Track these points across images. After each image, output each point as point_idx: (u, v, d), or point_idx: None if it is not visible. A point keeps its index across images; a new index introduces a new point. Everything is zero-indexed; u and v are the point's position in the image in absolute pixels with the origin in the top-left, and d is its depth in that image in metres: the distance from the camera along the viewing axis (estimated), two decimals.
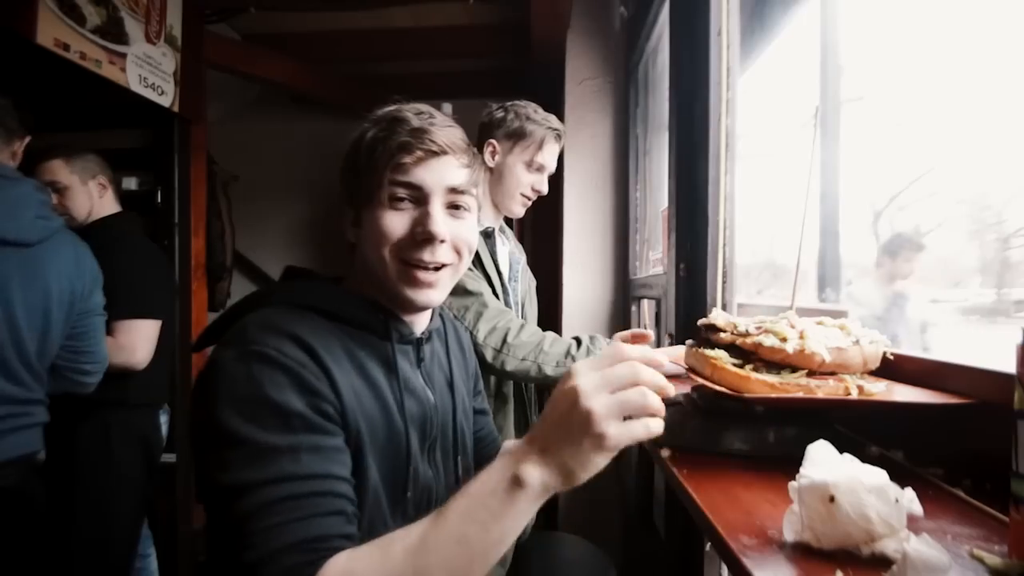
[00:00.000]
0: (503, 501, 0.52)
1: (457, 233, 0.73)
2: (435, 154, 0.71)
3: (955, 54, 1.07)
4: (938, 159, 1.21)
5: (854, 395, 0.65)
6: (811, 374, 0.67)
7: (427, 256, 0.71)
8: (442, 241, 0.71)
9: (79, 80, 1.75)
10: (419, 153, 0.70)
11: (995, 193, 1.17)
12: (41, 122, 1.48)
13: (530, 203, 1.46)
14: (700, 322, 0.81)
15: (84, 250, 1.43)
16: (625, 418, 0.51)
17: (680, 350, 0.94)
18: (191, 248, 2.32)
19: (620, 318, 2.15)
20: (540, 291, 1.67)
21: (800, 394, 0.65)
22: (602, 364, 0.53)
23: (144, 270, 1.69)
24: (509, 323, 1.24)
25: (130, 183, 2.57)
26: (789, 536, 0.48)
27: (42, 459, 1.34)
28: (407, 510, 0.72)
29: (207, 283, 2.51)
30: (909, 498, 0.47)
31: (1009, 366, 0.45)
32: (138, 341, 1.61)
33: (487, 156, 1.41)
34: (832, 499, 0.45)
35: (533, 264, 1.65)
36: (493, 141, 1.41)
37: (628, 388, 0.51)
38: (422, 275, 0.72)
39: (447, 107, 2.49)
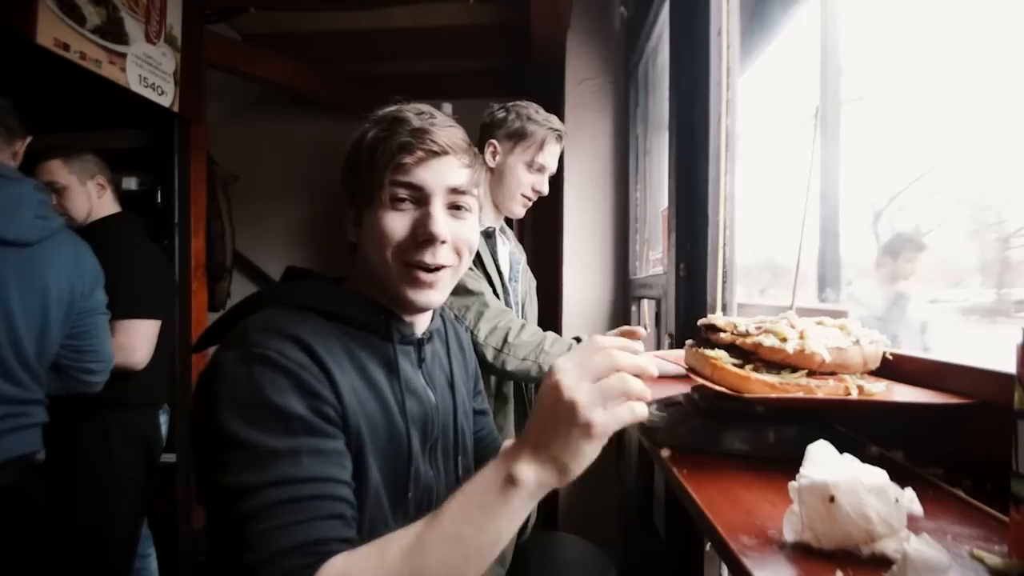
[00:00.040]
0: (497, 500, 0.53)
1: (458, 234, 0.73)
2: (436, 154, 0.71)
3: (955, 54, 1.07)
4: (938, 159, 1.21)
5: (854, 395, 0.65)
6: (811, 374, 0.67)
7: (428, 258, 0.70)
8: (443, 242, 0.71)
9: (79, 80, 1.75)
10: (420, 153, 0.70)
11: (995, 193, 1.17)
12: (41, 122, 1.48)
13: (531, 203, 1.46)
14: (700, 322, 0.81)
15: (85, 250, 1.43)
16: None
17: (678, 353, 0.94)
18: (191, 248, 2.32)
19: (620, 318, 2.15)
20: (540, 291, 1.67)
21: (800, 394, 0.65)
22: (580, 357, 0.54)
23: (144, 270, 1.69)
24: (510, 323, 1.24)
25: (130, 183, 2.57)
26: (789, 536, 0.48)
27: (41, 459, 1.34)
28: (408, 510, 0.72)
29: (207, 283, 2.51)
30: (909, 498, 0.47)
31: (1009, 366, 0.45)
32: (137, 341, 1.62)
33: (488, 156, 1.41)
34: (832, 499, 0.44)
35: (533, 264, 1.65)
36: (494, 141, 1.41)
37: (608, 375, 0.52)
38: (423, 276, 0.71)
39: (447, 107, 2.49)
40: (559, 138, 1.44)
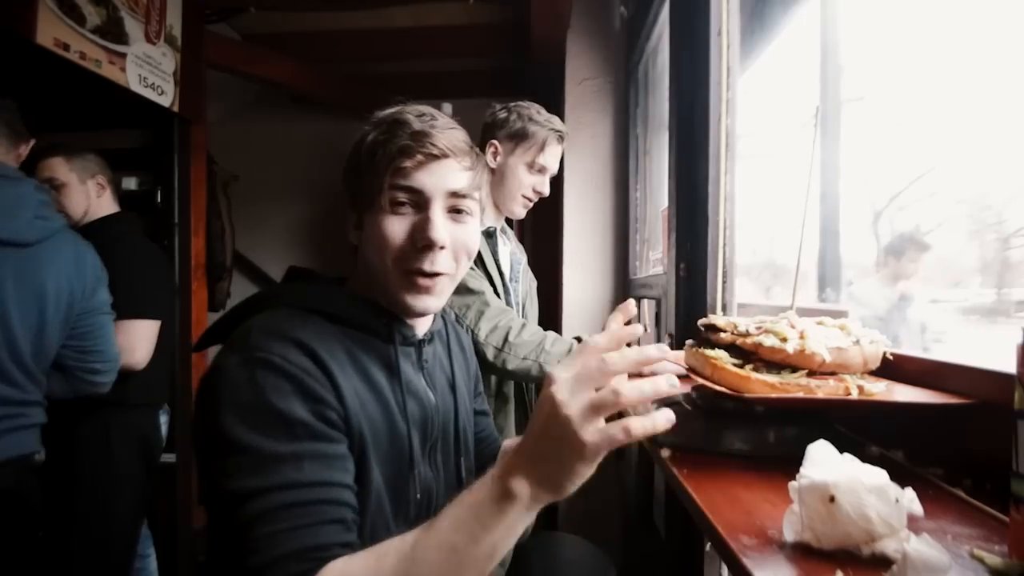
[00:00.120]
0: (492, 513, 0.52)
1: (458, 238, 0.73)
2: (436, 158, 0.70)
3: (955, 54, 1.07)
4: (938, 159, 1.21)
5: (854, 395, 0.65)
6: (811, 374, 0.67)
7: (426, 264, 0.70)
8: (442, 247, 0.70)
9: (79, 80, 1.75)
10: (419, 157, 0.70)
11: (995, 193, 1.17)
12: (41, 122, 1.48)
13: (531, 204, 1.46)
14: (700, 322, 0.81)
15: (86, 250, 1.43)
16: (609, 418, 0.50)
17: (678, 354, 0.93)
18: (191, 248, 2.32)
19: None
20: (540, 291, 1.67)
21: (800, 394, 0.65)
22: (577, 366, 0.51)
23: (143, 270, 1.69)
24: (510, 322, 1.24)
25: (130, 183, 2.57)
26: (789, 536, 0.48)
27: (41, 460, 1.34)
28: (409, 513, 0.72)
29: (207, 283, 2.51)
30: (909, 498, 0.47)
31: (1009, 366, 0.45)
32: (137, 341, 1.61)
33: (489, 157, 1.41)
34: (832, 499, 0.45)
35: (533, 264, 1.65)
36: (495, 142, 1.41)
37: (602, 385, 0.50)
38: (421, 281, 0.71)
39: (447, 107, 2.49)
40: (560, 139, 1.43)
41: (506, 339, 1.22)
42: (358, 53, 2.78)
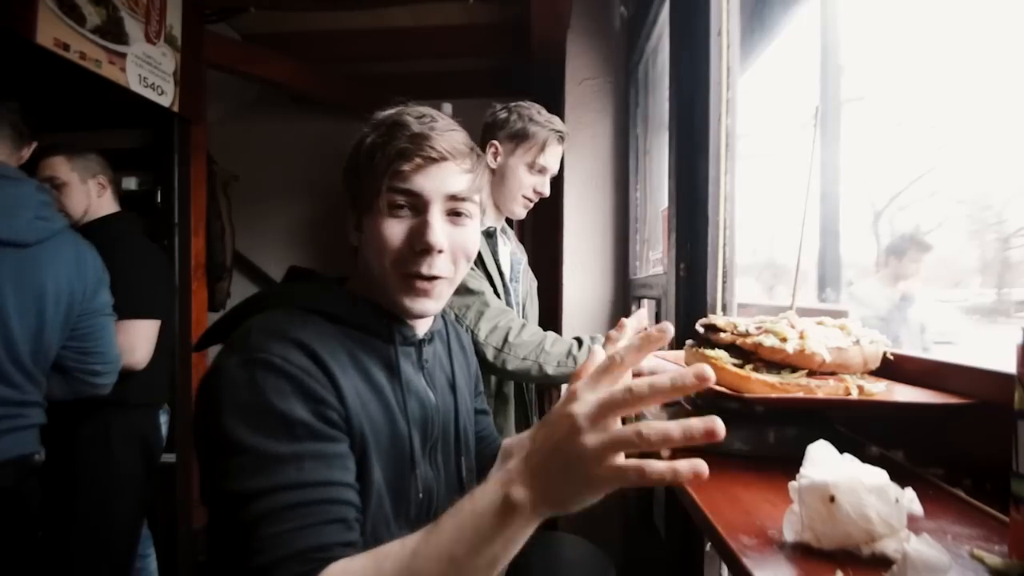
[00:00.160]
0: (493, 525, 0.50)
1: (456, 241, 0.72)
2: (434, 161, 0.70)
3: (955, 54, 1.07)
4: (938, 159, 1.21)
5: (854, 395, 0.65)
6: (811, 374, 0.67)
7: (424, 268, 0.70)
8: (440, 251, 0.70)
9: (79, 80, 1.75)
10: (418, 160, 0.69)
11: (995, 193, 1.17)
12: (41, 122, 1.48)
13: (532, 204, 1.46)
14: (700, 322, 0.81)
15: (87, 251, 1.43)
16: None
17: (678, 354, 0.94)
18: (191, 248, 2.32)
19: (620, 318, 2.15)
20: (540, 291, 1.67)
21: (800, 394, 0.65)
22: (599, 383, 0.49)
23: (143, 270, 1.69)
24: (510, 322, 1.24)
25: (130, 183, 2.56)
26: (789, 536, 0.48)
27: (40, 460, 1.34)
28: (410, 512, 0.72)
29: (207, 283, 2.51)
30: (909, 498, 0.47)
31: (1009, 366, 0.45)
32: (137, 341, 1.62)
33: (489, 157, 1.40)
34: (832, 499, 0.45)
35: (533, 264, 1.65)
36: (495, 142, 1.41)
37: (627, 413, 0.47)
38: (419, 284, 0.71)
39: (447, 107, 2.49)
40: (561, 139, 1.43)
41: (506, 339, 1.22)
42: (358, 53, 2.78)
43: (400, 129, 0.70)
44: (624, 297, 2.15)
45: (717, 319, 0.78)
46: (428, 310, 0.74)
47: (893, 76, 1.23)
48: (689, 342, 0.83)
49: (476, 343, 1.21)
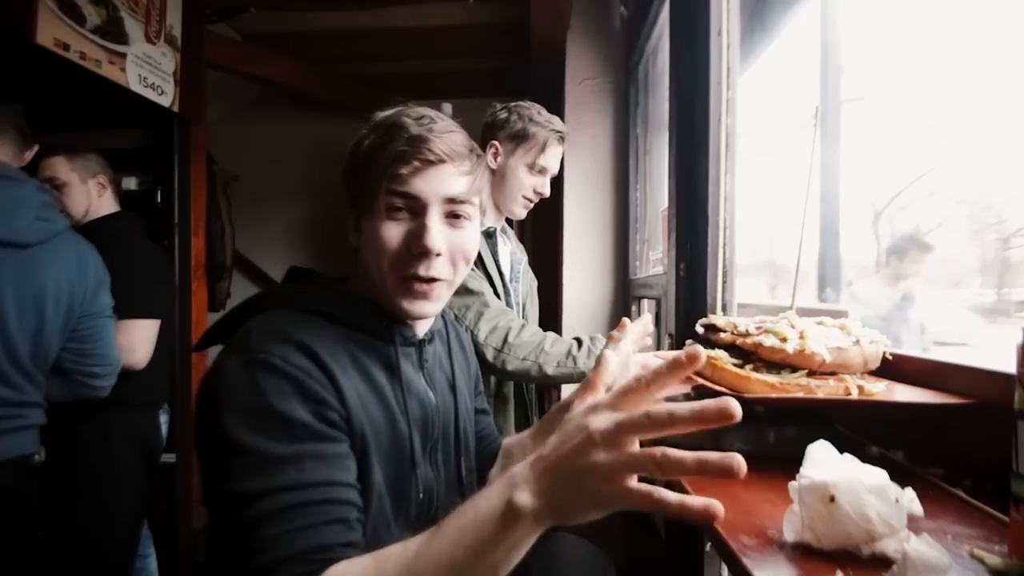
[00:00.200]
0: (495, 530, 0.49)
1: (455, 243, 0.72)
2: (432, 163, 0.69)
3: (955, 54, 1.07)
4: (938, 159, 1.21)
5: (854, 395, 0.65)
6: (811, 374, 0.67)
7: (422, 270, 0.70)
8: (438, 254, 0.70)
9: (79, 80, 1.75)
10: (416, 163, 0.69)
11: (995, 193, 1.17)
12: (41, 122, 1.48)
13: (532, 205, 1.46)
14: (700, 322, 0.81)
15: (88, 252, 1.42)
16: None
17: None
18: (191, 248, 2.32)
19: (620, 318, 2.15)
20: (540, 291, 1.67)
21: (800, 394, 0.65)
22: (620, 402, 0.47)
23: (143, 270, 1.69)
24: (510, 323, 1.24)
25: (130, 183, 2.56)
26: (789, 536, 0.48)
27: (40, 460, 1.34)
28: (410, 513, 0.72)
29: (207, 283, 2.51)
30: (909, 498, 0.47)
31: (1009, 366, 0.45)
32: (137, 341, 1.61)
33: (489, 158, 1.40)
34: (832, 499, 0.45)
35: (533, 264, 1.65)
36: (496, 143, 1.41)
37: (645, 435, 0.45)
38: (417, 287, 0.71)
39: (447, 107, 2.49)
40: (561, 140, 1.43)
41: (505, 340, 1.22)
42: (358, 53, 2.78)
43: (398, 131, 0.70)
44: (624, 297, 2.15)
45: (717, 319, 0.78)
46: (426, 312, 0.74)
47: (893, 76, 1.23)
48: (689, 342, 0.83)
49: (476, 343, 1.20)
